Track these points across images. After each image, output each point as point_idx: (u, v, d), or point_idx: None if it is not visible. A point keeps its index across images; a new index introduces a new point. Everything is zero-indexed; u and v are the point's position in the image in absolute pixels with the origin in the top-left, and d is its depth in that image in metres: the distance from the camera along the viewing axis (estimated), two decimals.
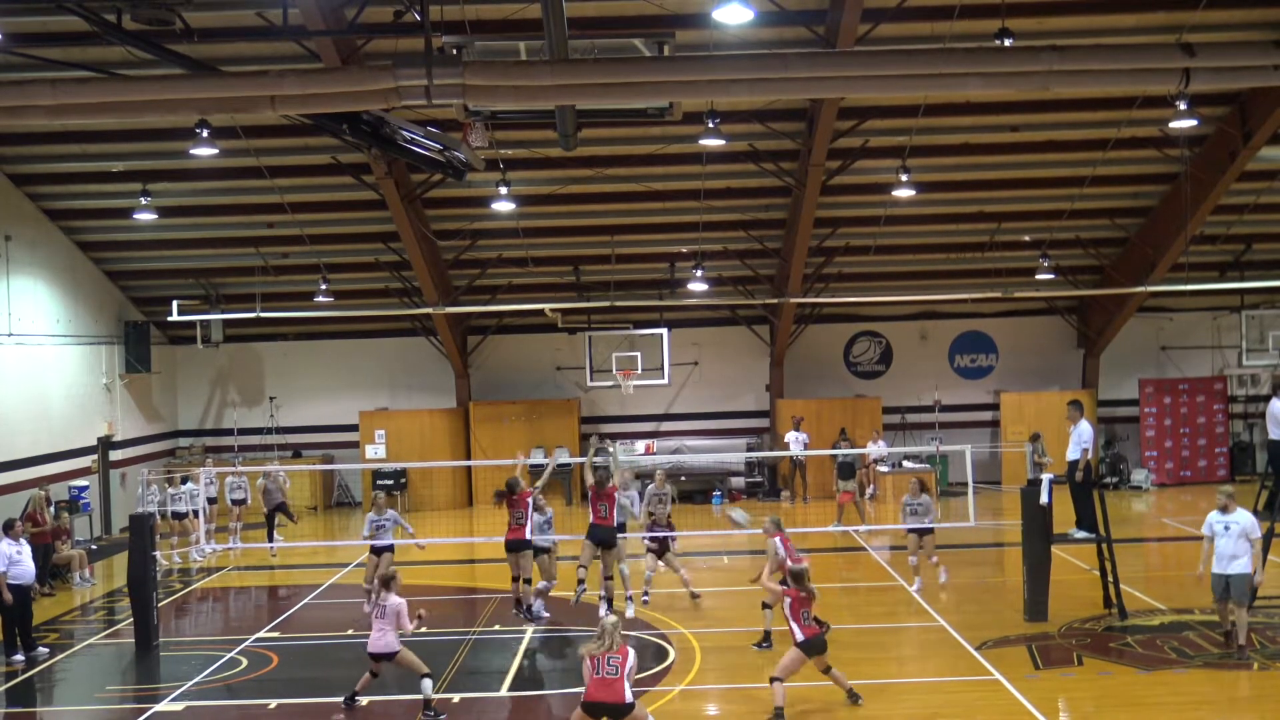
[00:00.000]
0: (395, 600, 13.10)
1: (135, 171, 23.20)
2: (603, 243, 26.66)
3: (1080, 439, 16.20)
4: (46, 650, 16.07)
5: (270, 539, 23.13)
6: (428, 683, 13.01)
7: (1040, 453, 21.71)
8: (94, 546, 23.65)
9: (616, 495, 16.77)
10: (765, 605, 14.97)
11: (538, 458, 28.13)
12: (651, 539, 17.77)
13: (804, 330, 29.90)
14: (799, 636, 12.47)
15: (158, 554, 18.06)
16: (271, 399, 30.27)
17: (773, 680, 12.45)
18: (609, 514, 16.04)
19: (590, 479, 16.71)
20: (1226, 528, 13.86)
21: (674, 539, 18.02)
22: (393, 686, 14.06)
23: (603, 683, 10.32)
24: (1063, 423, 17.41)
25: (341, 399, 30.20)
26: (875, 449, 26.74)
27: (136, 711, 13.46)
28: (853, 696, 12.75)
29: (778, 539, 14.94)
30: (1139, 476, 29.21)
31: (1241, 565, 13.76)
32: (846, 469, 24.06)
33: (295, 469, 28.51)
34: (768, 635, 14.94)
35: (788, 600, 12.59)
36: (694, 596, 17.65)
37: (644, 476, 24.17)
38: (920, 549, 18.26)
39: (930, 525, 18.28)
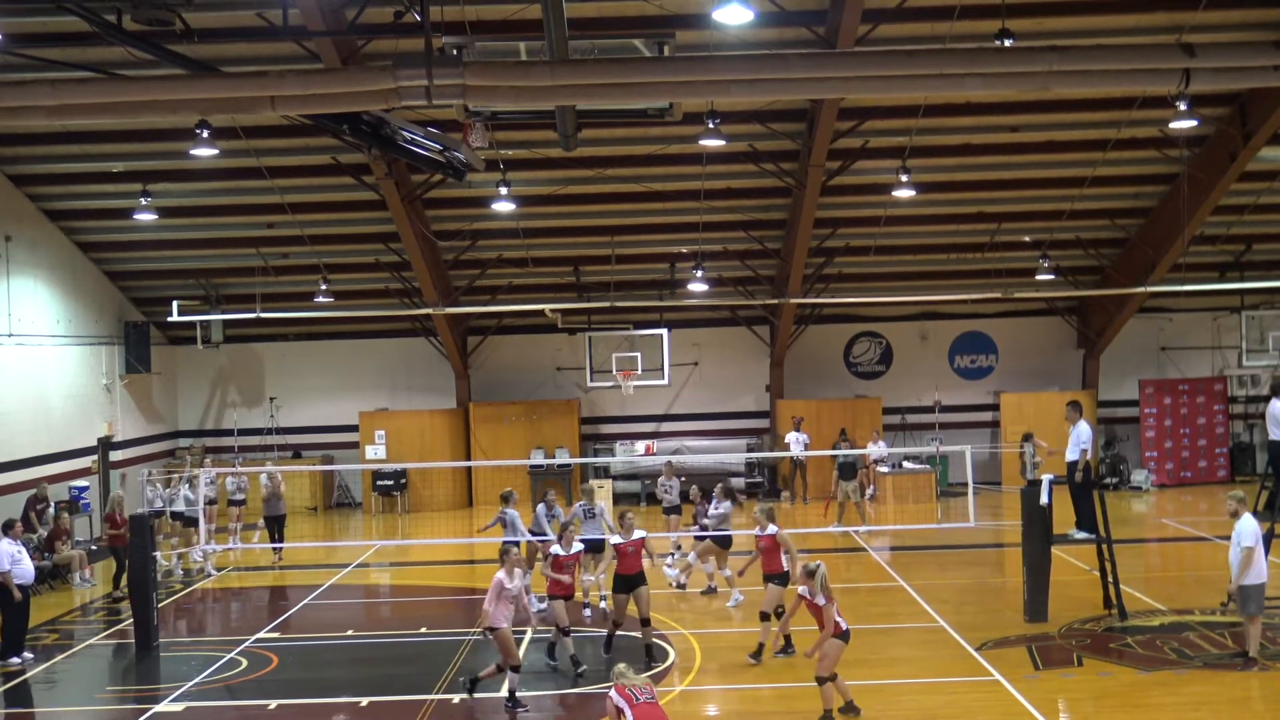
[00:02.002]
0: (496, 575, 13.10)
1: (135, 171, 23.20)
2: (603, 243, 26.65)
3: (1079, 439, 16.20)
4: (31, 656, 15.97)
5: (274, 540, 22.94)
6: (514, 676, 13.11)
7: (1033, 453, 21.70)
8: (94, 546, 23.66)
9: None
10: (765, 615, 14.79)
11: (538, 458, 28.20)
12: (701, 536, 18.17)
13: (804, 331, 29.89)
14: (844, 626, 12.40)
15: (158, 554, 18.05)
16: (271, 399, 30.27)
17: (824, 681, 12.21)
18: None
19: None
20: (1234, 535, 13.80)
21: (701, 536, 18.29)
22: (395, 687, 14.07)
23: (650, 709, 9.92)
24: (1059, 424, 17.40)
25: (341, 399, 30.18)
26: (875, 449, 26.72)
27: (136, 712, 13.47)
28: (852, 709, 12.53)
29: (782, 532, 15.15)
30: (1139, 477, 29.19)
31: (1245, 575, 13.60)
32: (847, 469, 24.06)
33: (295, 469, 28.51)
34: (761, 648, 14.69)
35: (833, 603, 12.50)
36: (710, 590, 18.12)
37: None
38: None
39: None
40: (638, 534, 15.14)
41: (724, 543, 17.91)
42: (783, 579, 14.87)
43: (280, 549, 22.84)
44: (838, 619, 12.36)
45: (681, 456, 28.63)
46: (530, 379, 30.42)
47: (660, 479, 21.01)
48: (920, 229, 26.29)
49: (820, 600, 12.41)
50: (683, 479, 28.36)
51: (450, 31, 15.71)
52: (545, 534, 17.23)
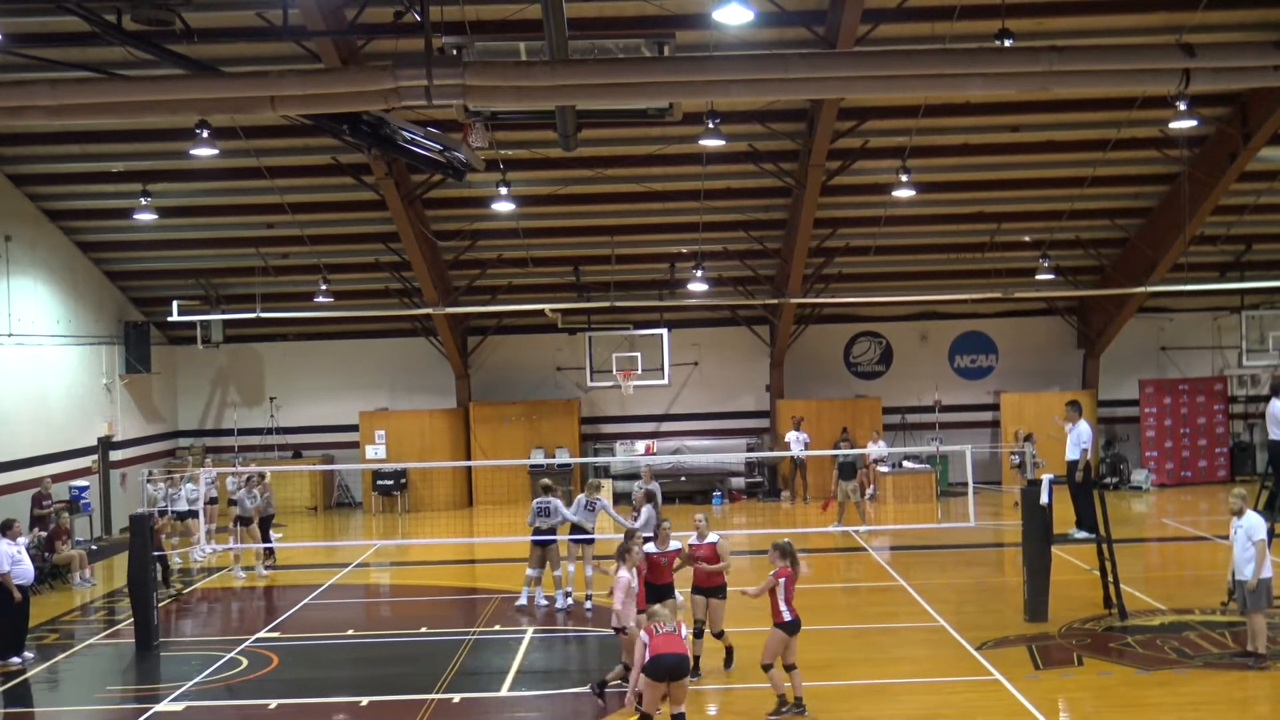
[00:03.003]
0: (619, 575, 12.95)
1: (135, 171, 23.19)
2: (603, 243, 26.65)
3: (1079, 439, 16.20)
4: (31, 656, 15.95)
5: (269, 551, 22.42)
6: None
7: (1034, 452, 21.69)
8: (94, 546, 23.65)
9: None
10: (697, 634, 14.21)
11: (538, 458, 28.22)
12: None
13: (804, 330, 29.89)
14: (786, 617, 12.42)
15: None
16: (271, 399, 30.26)
17: (767, 668, 12.45)
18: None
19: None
20: (1236, 532, 13.74)
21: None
22: (395, 687, 14.07)
23: (668, 639, 10.92)
24: (1053, 425, 17.37)
25: (341, 399, 30.18)
26: (875, 449, 26.74)
27: (136, 711, 13.46)
28: (799, 706, 12.46)
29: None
30: (1139, 477, 29.21)
31: (1250, 571, 13.55)
32: (847, 469, 24.06)
33: (295, 469, 28.51)
34: (697, 661, 14.14)
35: (782, 580, 12.49)
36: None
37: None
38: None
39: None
40: (673, 545, 14.42)
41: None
42: (720, 591, 14.13)
43: (271, 550, 22.64)
44: (783, 606, 12.36)
45: (682, 456, 28.72)
46: (530, 379, 30.42)
47: (638, 483, 19.84)
48: (920, 229, 26.29)
49: (775, 569, 12.52)
50: (683, 478, 28.59)
51: (450, 31, 15.72)
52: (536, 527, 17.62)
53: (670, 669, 10.89)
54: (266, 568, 22.14)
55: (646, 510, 17.31)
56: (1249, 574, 13.55)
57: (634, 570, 13.03)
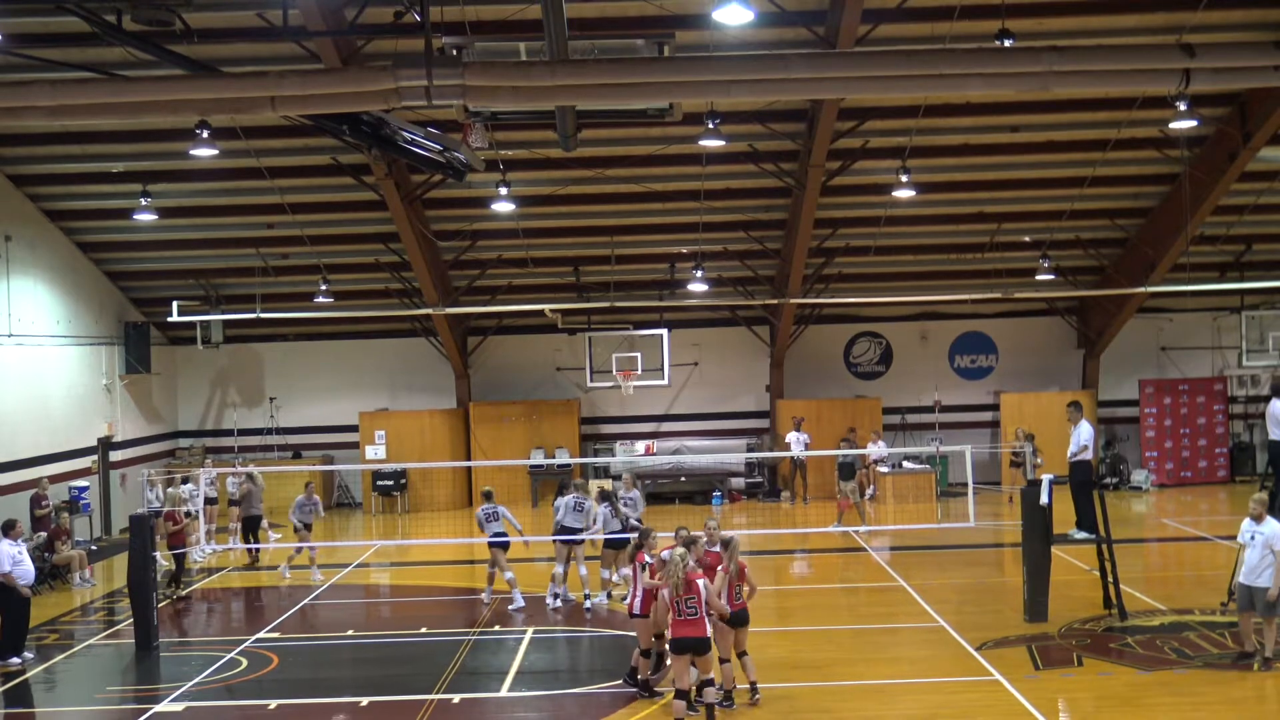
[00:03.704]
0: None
1: (135, 172, 23.19)
2: (603, 243, 26.66)
3: (1080, 439, 16.20)
4: (31, 656, 15.96)
5: (247, 541, 22.54)
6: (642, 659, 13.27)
7: (1034, 451, 21.70)
8: (94, 547, 23.66)
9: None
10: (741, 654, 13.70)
11: (538, 458, 28.21)
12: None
13: (804, 331, 29.89)
14: (725, 610, 12.55)
15: (157, 554, 18.03)
16: (271, 399, 30.26)
17: (722, 662, 12.72)
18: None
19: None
20: (1253, 537, 13.62)
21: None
22: (395, 687, 14.07)
23: (686, 623, 11.66)
24: (1059, 424, 17.38)
25: (341, 399, 30.18)
26: (875, 449, 26.73)
27: (136, 712, 13.46)
28: (753, 690, 12.69)
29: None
30: (1139, 477, 29.20)
31: (1266, 579, 13.45)
32: (847, 469, 24.06)
33: (295, 469, 28.47)
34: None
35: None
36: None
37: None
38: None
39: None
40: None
41: (615, 544, 17.47)
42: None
43: (256, 551, 22.63)
44: (724, 600, 12.55)
45: (681, 456, 28.71)
46: (530, 379, 30.42)
47: (620, 490, 18.94)
48: (920, 229, 26.29)
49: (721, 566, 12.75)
50: (683, 479, 28.60)
51: (450, 31, 15.74)
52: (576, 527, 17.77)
53: (691, 648, 11.68)
54: (251, 568, 22.19)
55: (602, 511, 17.33)
56: (1264, 582, 13.46)
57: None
